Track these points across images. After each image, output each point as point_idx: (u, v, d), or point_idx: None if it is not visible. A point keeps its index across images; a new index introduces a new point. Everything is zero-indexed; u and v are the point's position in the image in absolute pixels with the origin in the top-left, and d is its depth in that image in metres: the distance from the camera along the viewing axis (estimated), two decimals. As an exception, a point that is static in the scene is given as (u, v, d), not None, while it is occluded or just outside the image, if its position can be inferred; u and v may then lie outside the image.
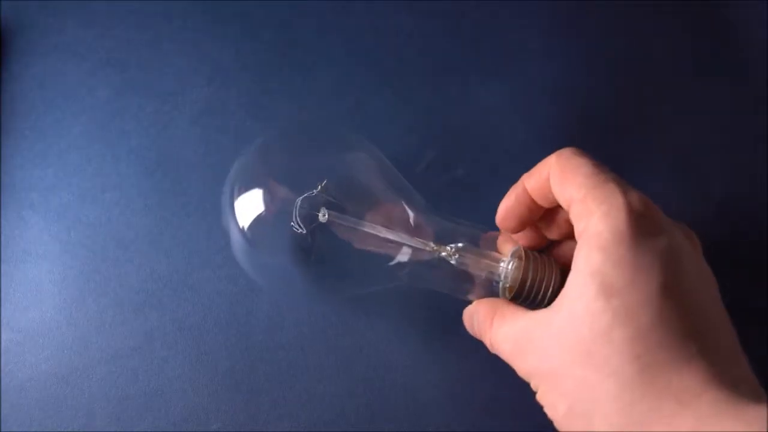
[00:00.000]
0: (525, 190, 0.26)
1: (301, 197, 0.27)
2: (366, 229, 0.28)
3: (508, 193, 0.27)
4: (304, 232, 0.27)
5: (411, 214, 0.29)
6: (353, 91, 0.38)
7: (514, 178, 0.27)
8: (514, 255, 0.27)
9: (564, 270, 0.26)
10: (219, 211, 0.35)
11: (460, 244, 0.28)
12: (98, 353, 0.33)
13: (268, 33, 0.39)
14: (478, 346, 0.33)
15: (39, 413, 0.32)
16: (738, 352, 0.21)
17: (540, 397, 0.22)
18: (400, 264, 0.28)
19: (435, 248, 0.28)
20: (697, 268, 0.23)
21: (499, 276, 0.27)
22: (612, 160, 0.25)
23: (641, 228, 0.21)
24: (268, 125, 0.37)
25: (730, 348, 0.21)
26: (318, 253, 0.29)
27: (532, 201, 0.26)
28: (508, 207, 0.27)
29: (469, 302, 0.28)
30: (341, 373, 0.32)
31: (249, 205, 0.28)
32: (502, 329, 0.24)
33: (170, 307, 0.34)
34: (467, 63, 0.38)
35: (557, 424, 0.22)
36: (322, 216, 0.27)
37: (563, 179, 0.24)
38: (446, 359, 0.32)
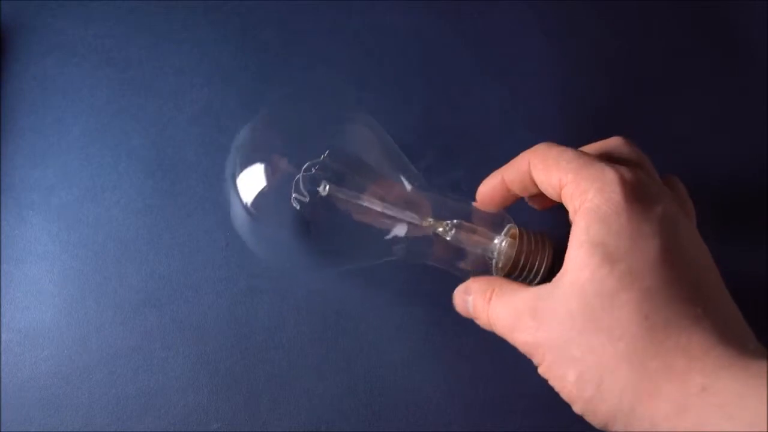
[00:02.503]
0: (502, 181, 0.27)
1: (302, 171, 0.28)
2: (364, 203, 0.28)
3: (485, 181, 0.28)
4: (306, 199, 0.27)
5: (408, 188, 0.29)
6: (353, 91, 0.38)
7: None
8: (508, 233, 0.27)
9: (557, 248, 0.26)
10: (219, 210, 0.35)
11: (455, 221, 0.28)
12: (98, 353, 0.33)
13: (268, 33, 0.39)
14: (477, 346, 0.33)
15: (39, 413, 0.32)
16: (738, 314, 0.22)
17: (545, 370, 0.22)
18: (396, 238, 0.29)
19: (430, 224, 0.28)
20: (692, 235, 0.23)
21: (493, 253, 0.27)
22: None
23: (637, 198, 0.22)
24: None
25: (731, 311, 0.22)
26: (317, 225, 0.29)
27: (508, 190, 0.27)
28: (484, 194, 0.28)
29: (465, 278, 0.28)
30: (341, 373, 0.32)
31: (251, 179, 0.28)
32: (500, 303, 0.24)
33: (170, 307, 0.34)
34: (467, 63, 0.38)
35: (567, 394, 0.22)
36: (323, 189, 0.27)
37: (546, 168, 0.24)
38: (446, 359, 0.32)
